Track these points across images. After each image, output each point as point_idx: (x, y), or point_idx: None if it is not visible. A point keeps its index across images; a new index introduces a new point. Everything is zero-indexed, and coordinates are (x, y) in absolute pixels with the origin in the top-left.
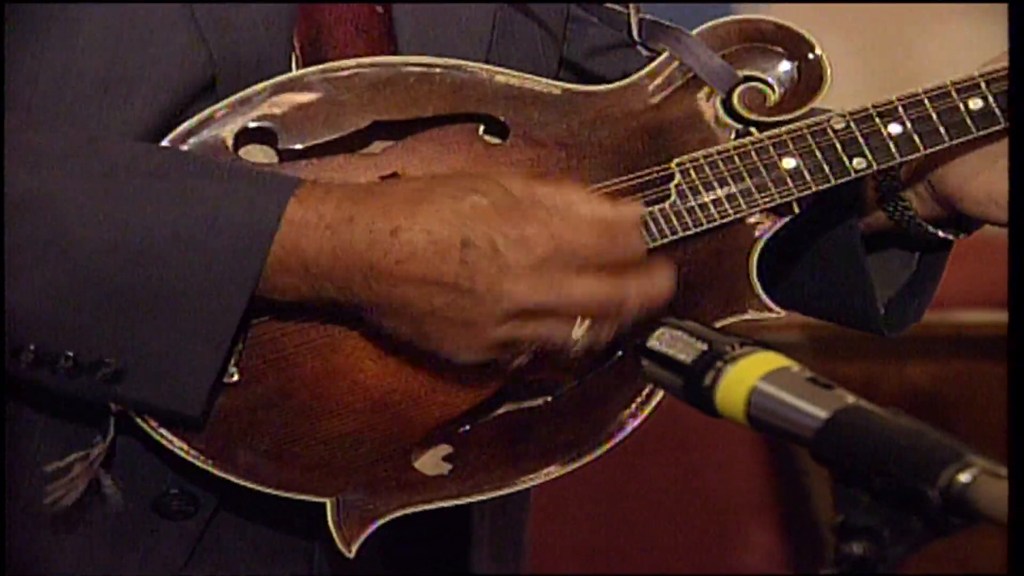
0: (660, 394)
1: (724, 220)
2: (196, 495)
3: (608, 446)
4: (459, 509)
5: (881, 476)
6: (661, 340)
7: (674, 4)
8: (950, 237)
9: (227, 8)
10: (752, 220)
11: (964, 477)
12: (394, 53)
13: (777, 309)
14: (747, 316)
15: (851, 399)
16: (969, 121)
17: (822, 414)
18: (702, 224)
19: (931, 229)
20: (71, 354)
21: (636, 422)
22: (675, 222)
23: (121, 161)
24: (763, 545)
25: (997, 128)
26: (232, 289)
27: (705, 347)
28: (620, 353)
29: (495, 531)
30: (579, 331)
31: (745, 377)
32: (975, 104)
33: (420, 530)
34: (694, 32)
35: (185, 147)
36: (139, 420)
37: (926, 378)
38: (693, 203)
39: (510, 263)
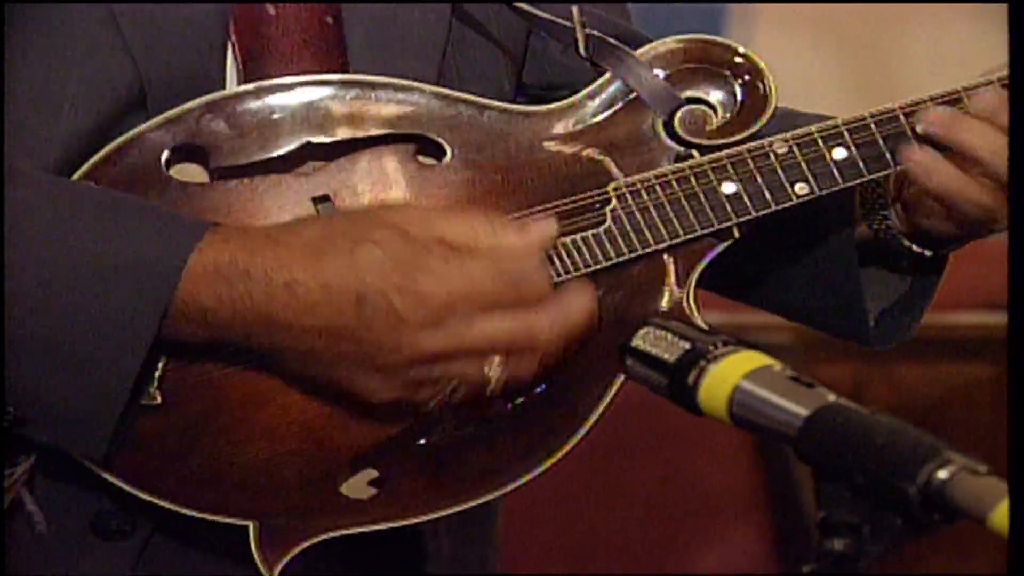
0: (593, 420)
1: (661, 246)
2: (133, 514)
3: (540, 470)
4: (409, 529)
5: (862, 473)
6: (645, 339)
7: (669, 3)
8: (927, 253)
9: (154, 24)
10: (690, 246)
11: (943, 474)
12: (343, 68)
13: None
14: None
15: (832, 397)
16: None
17: (804, 412)
18: (637, 250)
19: (909, 244)
20: None
21: (566, 448)
22: (609, 248)
23: (20, 204)
24: (749, 543)
25: (946, 153)
26: (131, 338)
27: (688, 346)
28: (553, 379)
29: (457, 545)
30: (493, 369)
31: (728, 376)
32: (922, 128)
33: (373, 550)
34: (639, 51)
35: (116, 165)
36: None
37: (916, 380)
38: (629, 229)
39: (406, 317)
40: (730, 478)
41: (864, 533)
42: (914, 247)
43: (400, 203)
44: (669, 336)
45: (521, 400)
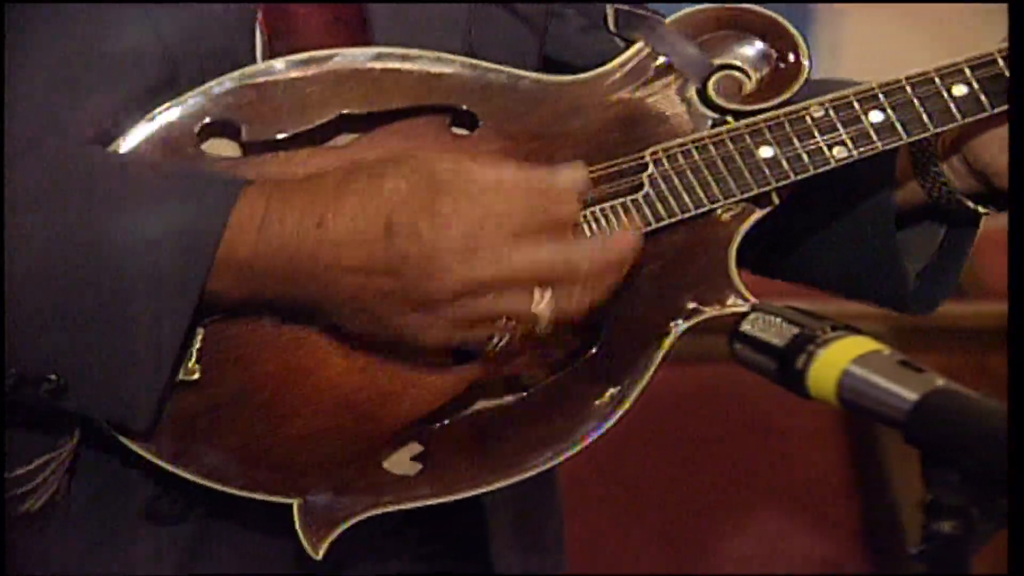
0: (637, 392)
1: (699, 211)
2: (186, 499)
3: (582, 444)
4: (472, 503)
5: (971, 456)
6: (754, 324)
7: None
8: (988, 211)
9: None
10: (730, 211)
11: None
12: (368, 44)
13: (753, 299)
14: (726, 309)
15: (941, 382)
16: (953, 107)
17: (913, 396)
18: (676, 215)
19: (969, 204)
20: (13, 371)
21: (611, 421)
22: (648, 213)
23: (59, 170)
24: (839, 528)
25: (983, 115)
26: (177, 299)
27: (797, 331)
28: (594, 350)
29: (518, 524)
30: (541, 299)
31: (837, 360)
32: (959, 90)
33: (436, 528)
34: (669, 19)
35: (148, 141)
36: (102, 424)
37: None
38: (667, 193)
39: (437, 244)
40: (820, 464)
41: (972, 515)
42: (968, 203)
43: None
44: (777, 321)
45: (565, 372)
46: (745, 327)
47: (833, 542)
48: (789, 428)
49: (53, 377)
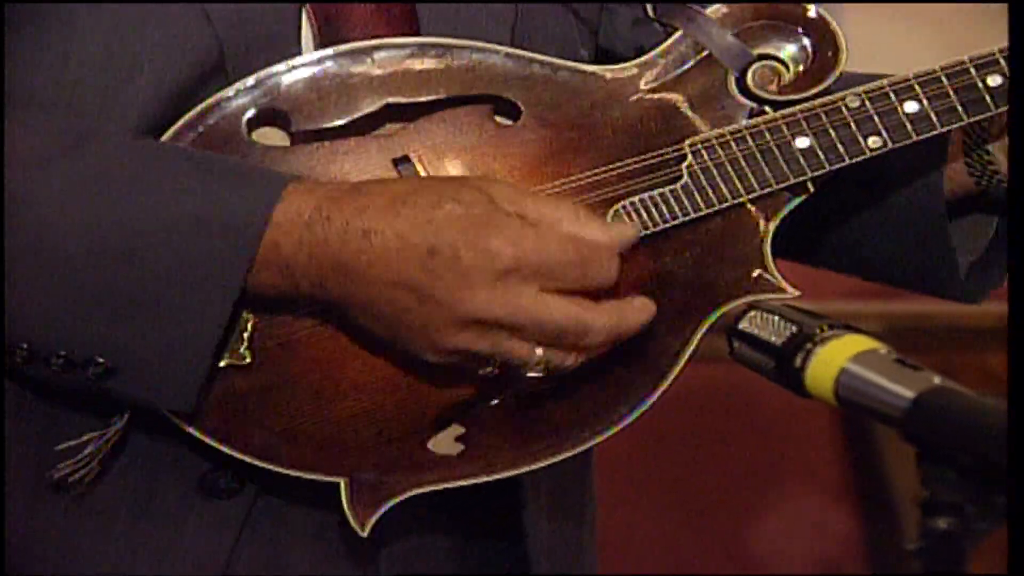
0: (673, 375)
1: (736, 201)
2: (239, 475)
3: (621, 425)
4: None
5: (967, 454)
6: (752, 322)
7: None
8: None
9: None
10: (766, 200)
11: None
12: (416, 34)
13: (792, 290)
14: (762, 297)
15: (938, 380)
16: (988, 98)
17: (910, 394)
18: (714, 205)
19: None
20: (63, 353)
21: (649, 401)
22: (686, 203)
23: (107, 162)
24: (838, 525)
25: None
26: (219, 289)
27: (795, 329)
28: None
29: (552, 494)
30: (538, 355)
31: (834, 358)
32: (994, 80)
33: (469, 496)
34: (710, 10)
35: (198, 130)
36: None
37: (1006, 368)
38: (705, 184)
39: (471, 273)
40: (817, 463)
41: (968, 512)
42: None
43: (491, 175)
44: (776, 319)
45: (604, 353)
46: (743, 325)
47: (830, 541)
48: (786, 426)
49: (100, 360)
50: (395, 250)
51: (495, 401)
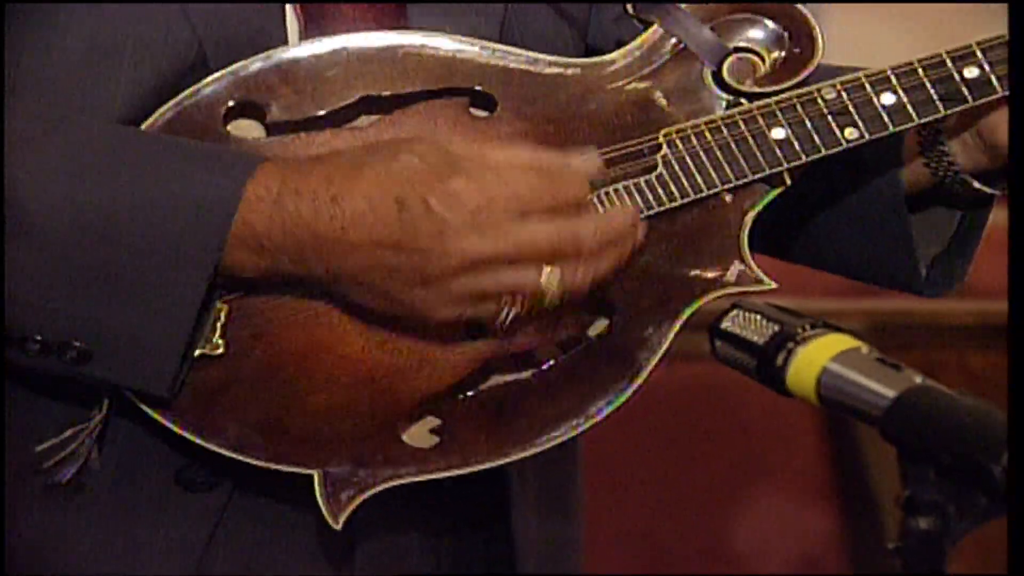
0: (649, 368)
1: (712, 191)
2: (216, 469)
3: (597, 419)
4: (495, 471)
5: (948, 453)
6: (734, 321)
7: None
8: (994, 192)
9: None
10: (743, 192)
11: None
12: (405, 29)
13: (769, 281)
14: (739, 289)
15: (919, 379)
16: (964, 90)
17: (891, 393)
18: (689, 195)
19: (974, 184)
20: (38, 337)
21: (625, 395)
22: (661, 193)
23: (82, 143)
24: (820, 524)
25: (994, 96)
26: (192, 269)
27: (777, 328)
28: (608, 327)
29: (539, 489)
30: (547, 275)
31: (816, 358)
32: (970, 72)
33: (456, 491)
34: (685, 5)
35: (175, 121)
36: (128, 395)
37: (988, 367)
38: (680, 173)
39: (446, 218)
40: (800, 461)
41: (949, 512)
42: (975, 183)
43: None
44: (758, 318)
45: (579, 348)
46: (725, 324)
47: (812, 539)
48: (768, 425)
49: (77, 344)
50: (365, 211)
51: (470, 393)
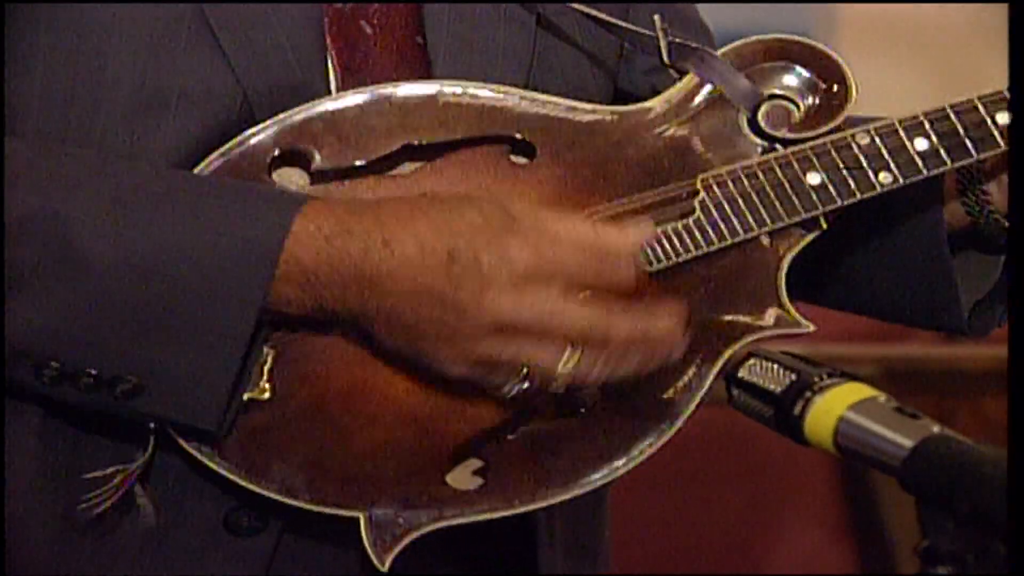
0: (688, 412)
1: (749, 235)
2: (264, 512)
3: (638, 460)
4: (521, 522)
5: (966, 503)
6: (751, 370)
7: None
8: None
9: (252, 35)
10: (779, 236)
11: None
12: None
13: (807, 324)
14: (777, 331)
15: (937, 428)
16: (997, 134)
17: (909, 443)
18: (727, 239)
19: (1006, 222)
20: (93, 371)
21: (665, 437)
22: (699, 237)
23: (132, 183)
24: (834, 569)
25: None
26: (241, 304)
27: (794, 377)
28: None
29: (567, 531)
30: (565, 360)
31: (833, 407)
32: (1003, 118)
33: (484, 533)
34: (721, 51)
35: (221, 169)
36: (175, 436)
37: (1003, 413)
38: (717, 218)
39: (492, 277)
40: (817, 505)
41: (968, 562)
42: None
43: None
44: (775, 367)
45: (619, 390)
46: (742, 373)
47: None
48: (785, 470)
49: (129, 378)
50: (416, 257)
51: (512, 435)
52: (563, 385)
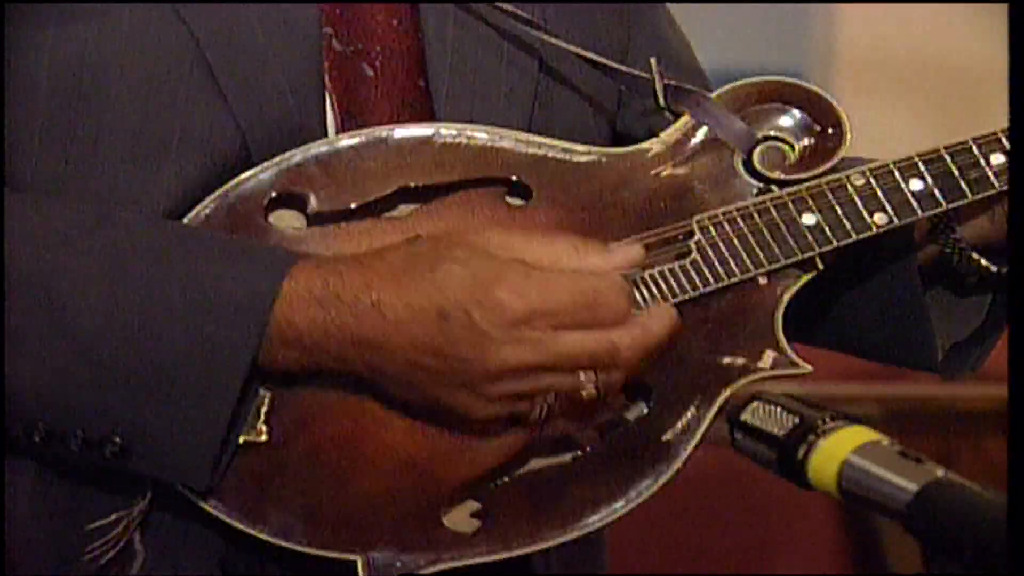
0: (687, 453)
1: (745, 276)
2: (261, 557)
3: (637, 503)
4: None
5: (971, 547)
6: (754, 414)
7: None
8: (992, 267)
9: (251, 77)
10: (775, 277)
11: None
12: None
13: (805, 366)
14: (774, 372)
15: (941, 472)
16: (992, 176)
17: (913, 487)
18: (723, 280)
19: (982, 261)
20: (80, 432)
21: (663, 480)
22: (696, 278)
23: (123, 242)
24: None
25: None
26: (229, 366)
27: (797, 421)
28: (646, 412)
29: (564, 570)
30: (583, 379)
31: (837, 451)
32: (997, 159)
33: (480, 571)
34: (715, 94)
35: (218, 213)
36: (173, 482)
37: (1004, 453)
38: (714, 259)
39: (486, 329)
40: (817, 543)
41: None
42: (983, 261)
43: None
44: (777, 410)
45: (617, 432)
46: (745, 416)
47: None
48: (786, 511)
49: (116, 439)
50: (407, 319)
51: (510, 477)
52: (592, 397)
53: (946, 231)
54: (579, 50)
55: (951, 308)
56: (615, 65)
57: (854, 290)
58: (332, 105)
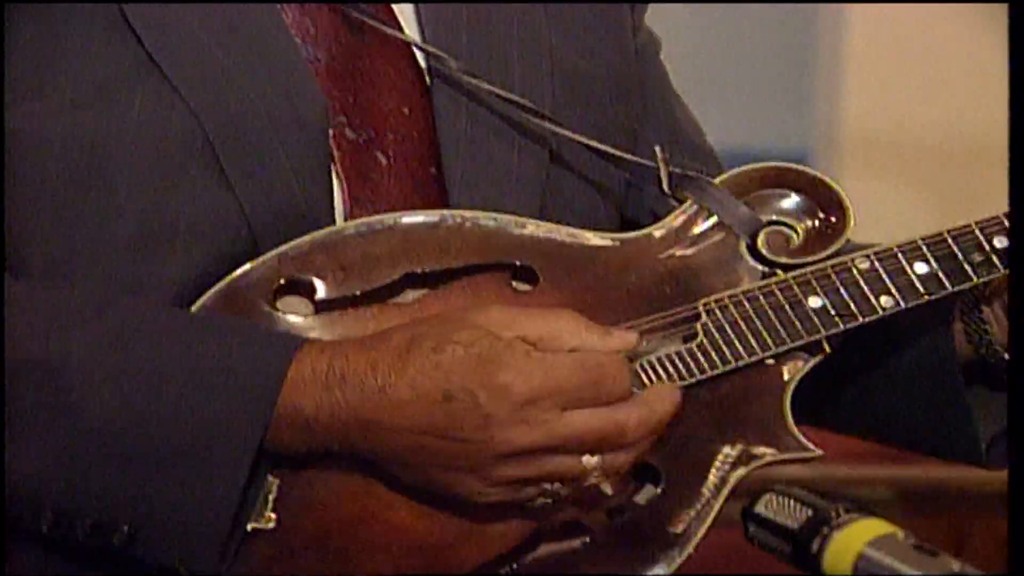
0: (699, 535)
1: (752, 359)
2: None
3: None
4: None
5: None
6: (768, 506)
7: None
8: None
9: (258, 165)
10: (783, 360)
11: None
12: (446, 207)
13: (814, 449)
14: (783, 456)
15: (956, 566)
16: (996, 259)
17: None
18: (730, 363)
19: (1005, 355)
20: (88, 519)
21: (676, 563)
22: (703, 361)
23: (129, 327)
24: None
25: None
26: (237, 448)
27: (811, 513)
28: (657, 494)
29: None
30: (588, 463)
31: (852, 543)
32: (1000, 242)
33: None
34: (719, 180)
35: (225, 299)
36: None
37: None
38: (720, 342)
39: (492, 412)
40: None
41: None
42: (1005, 354)
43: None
44: (791, 502)
45: (627, 516)
46: (759, 508)
47: None
48: None
49: (124, 526)
50: (411, 401)
51: (519, 562)
52: (597, 480)
53: (974, 319)
54: (587, 140)
55: (990, 403)
56: (620, 154)
57: (891, 378)
58: (341, 192)
